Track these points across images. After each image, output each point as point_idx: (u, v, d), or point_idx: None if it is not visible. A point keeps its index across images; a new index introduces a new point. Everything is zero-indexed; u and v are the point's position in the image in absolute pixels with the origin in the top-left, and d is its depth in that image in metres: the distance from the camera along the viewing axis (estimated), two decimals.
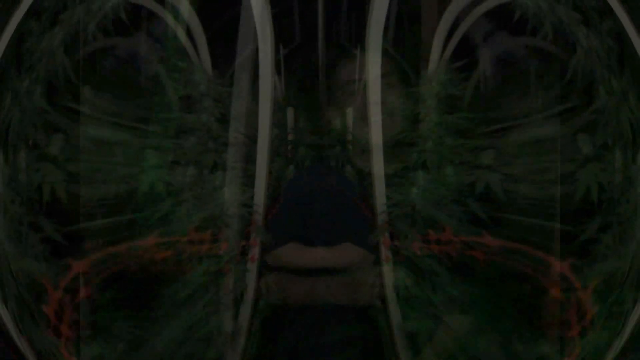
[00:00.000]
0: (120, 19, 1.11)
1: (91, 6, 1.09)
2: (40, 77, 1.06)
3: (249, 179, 1.16)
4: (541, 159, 1.16)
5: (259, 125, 1.14)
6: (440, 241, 1.14)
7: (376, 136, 1.15)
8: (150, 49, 1.18)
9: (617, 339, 1.05)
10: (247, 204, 1.15)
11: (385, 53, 1.14)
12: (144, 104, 1.17)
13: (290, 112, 1.31)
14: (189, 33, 1.18)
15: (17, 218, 1.05)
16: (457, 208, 1.16)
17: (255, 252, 1.15)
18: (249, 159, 1.16)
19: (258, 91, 1.13)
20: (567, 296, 1.09)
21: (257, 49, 1.11)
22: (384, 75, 1.15)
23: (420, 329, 1.14)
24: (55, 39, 1.05)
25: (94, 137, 1.14)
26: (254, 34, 1.10)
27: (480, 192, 1.16)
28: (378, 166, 1.15)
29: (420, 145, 1.18)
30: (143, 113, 1.17)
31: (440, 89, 1.17)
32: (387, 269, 1.15)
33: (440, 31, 1.19)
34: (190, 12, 1.18)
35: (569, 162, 1.11)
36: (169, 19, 1.16)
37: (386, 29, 1.11)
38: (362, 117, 1.19)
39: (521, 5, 1.13)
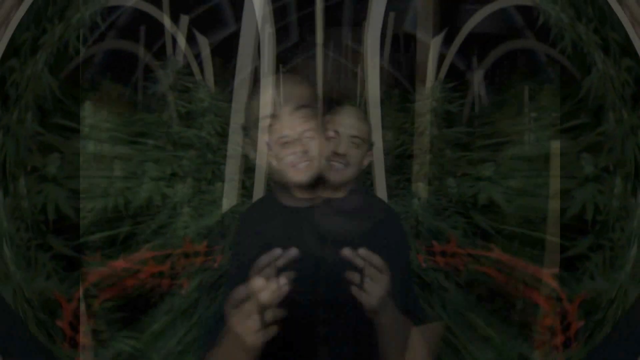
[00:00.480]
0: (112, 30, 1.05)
1: (70, 21, 1.01)
2: (29, 103, 1.01)
3: (246, 191, 1.16)
4: (541, 173, 1.16)
5: (257, 138, 1.12)
6: (445, 253, 1.17)
7: (377, 149, 1.14)
8: (156, 68, 1.14)
9: None
10: None
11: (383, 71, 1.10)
12: (144, 120, 1.14)
13: None
14: (193, 49, 1.13)
15: (25, 244, 1.07)
16: (460, 219, 1.18)
17: None
18: (247, 171, 1.16)
19: None
20: (552, 303, 1.15)
21: (257, 67, 1.08)
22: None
23: None
24: (38, 64, 1.00)
25: (93, 153, 1.12)
26: (255, 52, 1.05)
27: (482, 204, 1.18)
28: (380, 179, 1.16)
29: (420, 157, 1.18)
30: (142, 128, 1.14)
31: (437, 105, 1.15)
32: None
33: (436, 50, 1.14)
34: (193, 29, 1.11)
35: (569, 179, 1.12)
36: (171, 35, 1.10)
37: (385, 49, 1.07)
38: None
39: (544, 12, 1.07)
